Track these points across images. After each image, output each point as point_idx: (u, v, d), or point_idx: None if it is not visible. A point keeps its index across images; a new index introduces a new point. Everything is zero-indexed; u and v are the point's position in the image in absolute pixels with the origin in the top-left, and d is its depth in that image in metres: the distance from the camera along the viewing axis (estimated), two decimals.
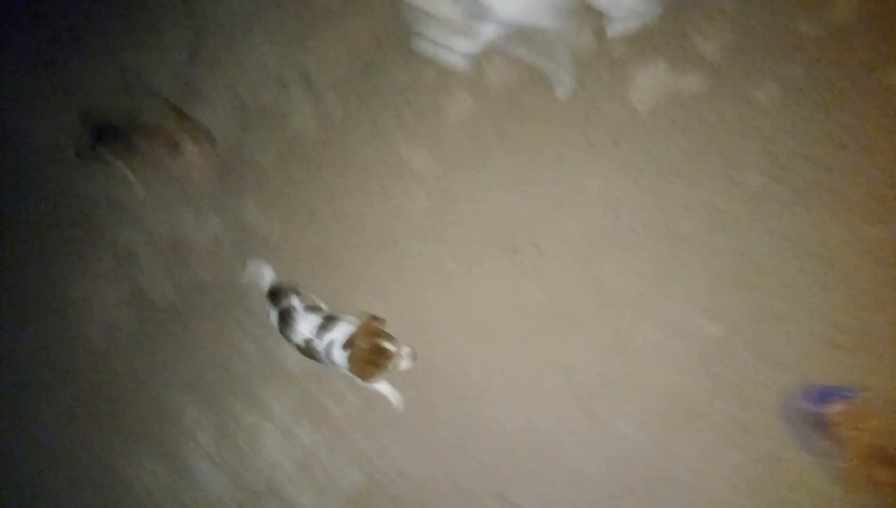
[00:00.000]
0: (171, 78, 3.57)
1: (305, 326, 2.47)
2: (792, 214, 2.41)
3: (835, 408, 2.12)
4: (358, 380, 2.34)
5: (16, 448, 3.21)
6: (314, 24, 3.32)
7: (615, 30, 2.77)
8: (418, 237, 2.88)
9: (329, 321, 2.46)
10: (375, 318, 2.36)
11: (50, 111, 3.56)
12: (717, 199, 2.50)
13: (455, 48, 2.71)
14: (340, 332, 2.40)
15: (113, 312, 3.20)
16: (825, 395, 2.17)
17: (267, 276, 2.73)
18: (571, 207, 2.69)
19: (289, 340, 2.54)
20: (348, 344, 2.34)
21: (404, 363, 2.32)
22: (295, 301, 2.56)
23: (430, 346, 2.66)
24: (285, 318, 2.52)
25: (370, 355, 2.27)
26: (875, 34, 2.48)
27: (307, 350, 2.49)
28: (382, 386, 2.59)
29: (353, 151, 3.10)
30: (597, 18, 2.83)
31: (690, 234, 2.50)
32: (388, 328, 2.34)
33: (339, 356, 2.36)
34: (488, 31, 2.60)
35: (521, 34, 2.67)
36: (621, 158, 2.67)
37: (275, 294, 2.61)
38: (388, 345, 2.28)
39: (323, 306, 2.65)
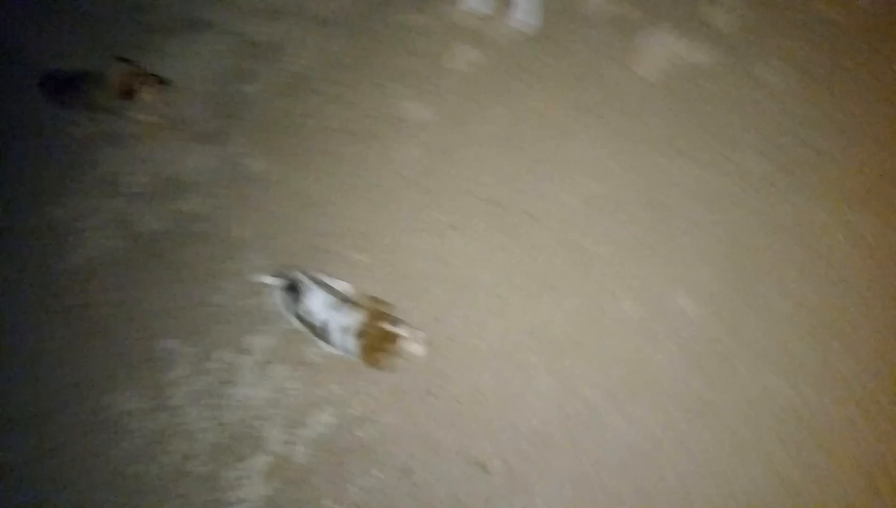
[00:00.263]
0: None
1: (316, 303, 2.40)
2: (783, 198, 2.39)
3: None
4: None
5: None
6: None
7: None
8: (408, 186, 2.84)
9: (342, 302, 2.36)
10: (381, 303, 2.32)
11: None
12: (709, 175, 2.47)
13: None
14: (353, 318, 2.31)
15: (97, 239, 3.18)
16: None
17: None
18: (562, 169, 2.66)
19: (297, 318, 2.47)
20: (361, 333, 2.27)
21: (418, 349, 2.27)
22: (303, 277, 2.46)
23: (409, 297, 2.66)
24: (294, 292, 2.42)
25: (381, 342, 2.22)
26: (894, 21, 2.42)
27: (319, 330, 2.41)
28: None
29: (346, 88, 3.04)
30: None
31: (678, 208, 2.48)
32: (373, 277, 2.33)
33: (352, 345, 2.31)
34: None
35: None
36: (617, 126, 2.63)
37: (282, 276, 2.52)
38: (399, 330, 2.23)
39: (330, 283, 2.54)
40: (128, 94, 3.04)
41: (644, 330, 2.45)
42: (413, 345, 2.25)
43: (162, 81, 3.09)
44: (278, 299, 2.51)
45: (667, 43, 2.62)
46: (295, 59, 3.16)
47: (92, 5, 3.59)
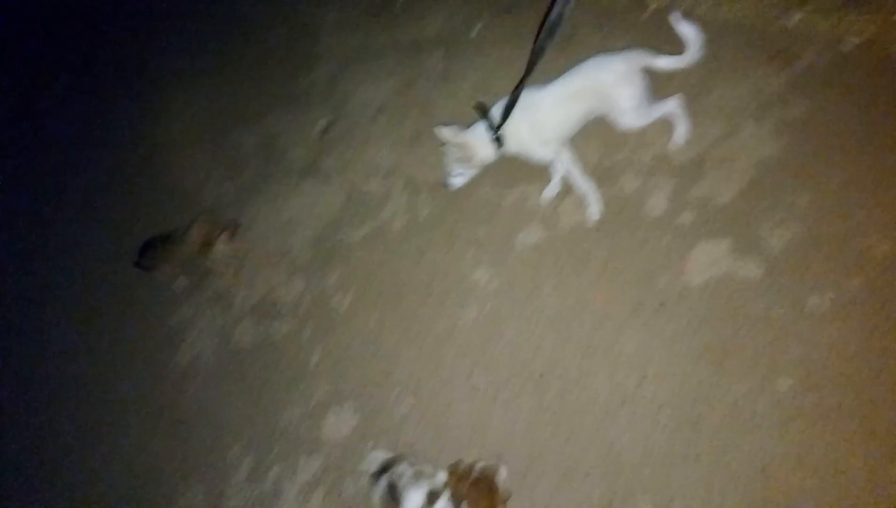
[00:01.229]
0: (301, 146, 4.15)
1: (416, 497, 2.56)
2: (812, 428, 2.33)
3: None
4: None
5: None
6: (426, 132, 3.70)
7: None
8: (459, 346, 3.10)
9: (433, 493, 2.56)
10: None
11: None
12: (740, 394, 2.48)
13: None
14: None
15: (201, 341, 3.70)
16: None
17: (380, 458, 2.87)
18: (602, 359, 2.78)
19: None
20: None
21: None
22: (402, 469, 2.68)
23: (440, 453, 2.86)
24: (392, 492, 2.62)
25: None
26: None
27: None
28: None
29: (429, 249, 3.42)
30: (672, 180, 2.95)
31: (705, 422, 2.50)
32: (411, 422, 2.59)
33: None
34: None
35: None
36: (661, 326, 2.73)
37: (384, 469, 2.74)
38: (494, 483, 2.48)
39: (429, 469, 2.73)
40: (207, 245, 3.64)
41: None
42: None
43: (237, 228, 3.76)
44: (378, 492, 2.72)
45: (719, 253, 2.72)
46: (393, 216, 3.60)
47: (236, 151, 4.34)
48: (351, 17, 4.49)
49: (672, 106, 2.99)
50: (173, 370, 3.69)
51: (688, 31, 2.87)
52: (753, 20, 3.21)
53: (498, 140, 3.01)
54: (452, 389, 3.00)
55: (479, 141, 3.04)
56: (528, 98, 2.92)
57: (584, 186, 3.06)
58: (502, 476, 2.52)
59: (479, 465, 2.53)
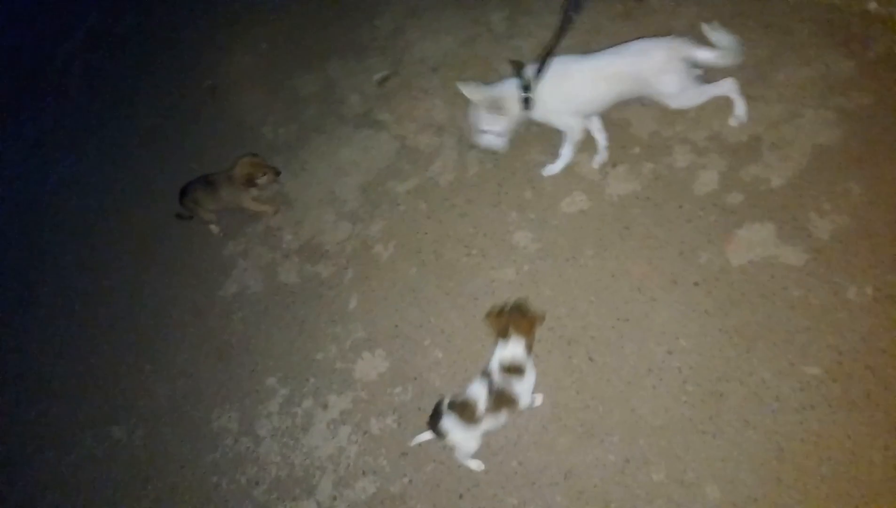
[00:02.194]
0: (359, 94, 4.22)
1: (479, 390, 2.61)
2: (834, 416, 2.35)
3: None
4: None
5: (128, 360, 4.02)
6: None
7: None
8: (493, 303, 3.12)
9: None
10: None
11: None
12: (767, 376, 2.50)
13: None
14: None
15: (249, 275, 3.87)
16: None
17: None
18: (634, 328, 2.83)
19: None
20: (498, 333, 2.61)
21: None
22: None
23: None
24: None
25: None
26: None
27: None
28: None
29: (473, 206, 3.49)
30: (725, 159, 2.93)
31: (729, 397, 2.54)
32: (440, 371, 2.80)
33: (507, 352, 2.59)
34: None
35: None
36: (696, 302, 2.75)
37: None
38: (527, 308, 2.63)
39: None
40: (250, 182, 3.78)
41: (664, 501, 2.50)
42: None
43: (277, 172, 3.86)
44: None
45: (764, 236, 2.71)
46: (442, 170, 3.66)
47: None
48: None
49: (726, 87, 2.98)
50: (221, 300, 3.86)
51: (722, 40, 2.85)
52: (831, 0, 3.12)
53: (527, 101, 3.02)
54: (482, 344, 3.08)
55: (509, 96, 3.05)
56: (566, 67, 2.97)
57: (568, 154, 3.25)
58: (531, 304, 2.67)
59: (510, 302, 2.66)
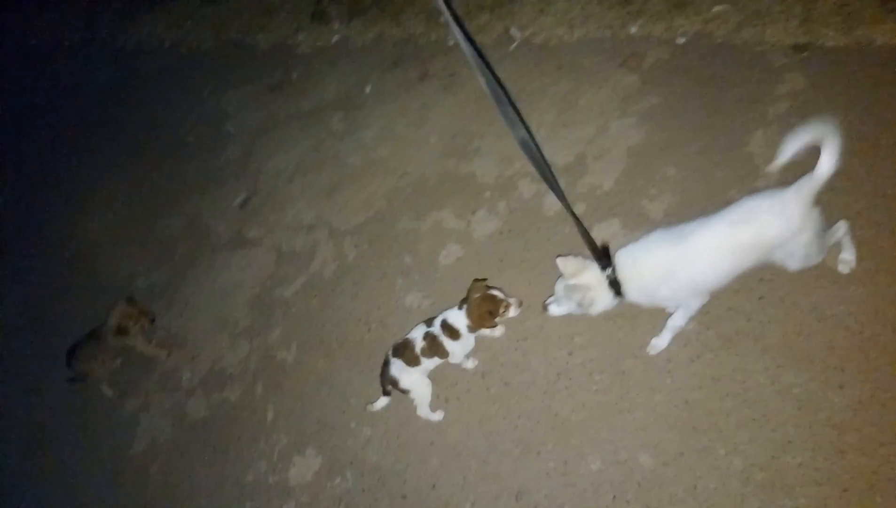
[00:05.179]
0: (224, 221, 4.36)
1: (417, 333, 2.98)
2: (717, 358, 2.66)
3: None
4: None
5: None
6: (341, 181, 4.01)
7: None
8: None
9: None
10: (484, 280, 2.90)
11: None
12: (647, 342, 2.80)
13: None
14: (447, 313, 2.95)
15: (154, 426, 3.74)
16: None
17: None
18: (533, 342, 3.07)
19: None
20: (463, 301, 2.89)
21: (513, 311, 2.83)
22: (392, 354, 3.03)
23: (408, 464, 3.02)
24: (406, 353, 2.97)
25: (485, 303, 2.81)
26: None
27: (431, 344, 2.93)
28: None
29: (361, 286, 3.66)
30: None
31: (631, 373, 2.79)
32: (374, 447, 2.68)
33: (455, 317, 2.89)
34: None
35: None
36: None
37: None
38: (498, 294, 2.83)
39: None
40: (122, 332, 3.79)
41: (607, 484, 2.65)
42: (511, 309, 2.85)
43: (151, 319, 3.93)
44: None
45: (616, 233, 3.11)
46: (323, 264, 3.83)
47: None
48: (253, 96, 4.84)
49: (840, 232, 2.60)
50: (133, 459, 3.69)
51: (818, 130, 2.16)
52: (602, 34, 3.77)
53: (616, 287, 2.57)
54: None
55: (596, 285, 2.60)
56: (672, 246, 2.45)
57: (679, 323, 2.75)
58: (511, 304, 2.84)
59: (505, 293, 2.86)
